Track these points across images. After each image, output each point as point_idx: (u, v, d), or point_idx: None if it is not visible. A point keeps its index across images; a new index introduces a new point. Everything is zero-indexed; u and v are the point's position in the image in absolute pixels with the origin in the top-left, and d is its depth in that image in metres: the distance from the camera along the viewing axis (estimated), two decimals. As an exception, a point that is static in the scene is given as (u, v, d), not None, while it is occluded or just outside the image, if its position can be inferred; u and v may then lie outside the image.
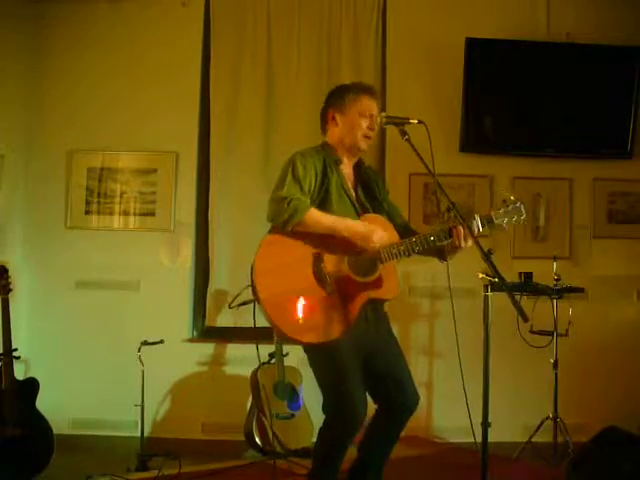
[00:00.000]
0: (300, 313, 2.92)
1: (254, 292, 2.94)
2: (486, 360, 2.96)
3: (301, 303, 2.93)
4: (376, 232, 2.97)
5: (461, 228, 3.00)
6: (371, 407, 3.18)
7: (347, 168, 3.24)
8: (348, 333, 2.95)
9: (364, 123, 3.16)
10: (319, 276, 2.96)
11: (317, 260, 2.98)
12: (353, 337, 2.98)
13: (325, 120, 3.27)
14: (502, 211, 3.16)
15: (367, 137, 3.18)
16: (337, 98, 3.23)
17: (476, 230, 3.05)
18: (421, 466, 4.46)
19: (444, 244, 3.08)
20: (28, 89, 5.25)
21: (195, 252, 5.36)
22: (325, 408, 3.12)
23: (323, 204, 3.08)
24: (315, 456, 3.23)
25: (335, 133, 3.22)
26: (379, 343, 3.16)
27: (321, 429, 3.17)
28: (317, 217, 2.95)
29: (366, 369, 3.10)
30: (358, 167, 3.29)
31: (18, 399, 4.14)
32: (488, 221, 3.12)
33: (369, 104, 3.19)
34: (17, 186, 5.19)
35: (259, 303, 2.93)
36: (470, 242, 3.00)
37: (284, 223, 2.92)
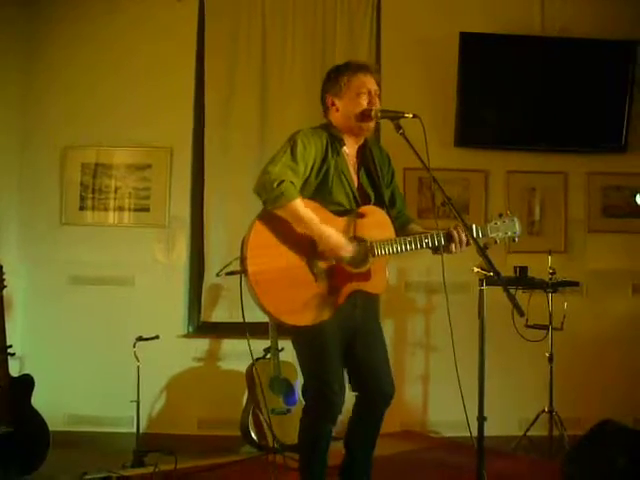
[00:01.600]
0: (285, 294, 2.92)
1: (243, 264, 2.93)
2: (481, 354, 2.97)
3: (288, 284, 2.93)
4: (345, 249, 2.95)
5: (461, 234, 3.04)
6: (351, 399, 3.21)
7: (351, 150, 3.19)
8: (330, 320, 2.97)
9: (364, 101, 3.11)
10: (310, 260, 2.97)
11: (311, 244, 2.97)
12: (338, 321, 3.00)
13: (326, 106, 3.22)
14: (497, 224, 3.18)
15: (369, 115, 3.11)
16: (333, 83, 3.18)
17: (469, 239, 3.06)
18: (417, 460, 4.46)
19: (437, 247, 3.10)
20: (23, 85, 5.23)
21: (190, 247, 5.36)
22: (304, 391, 3.14)
23: (321, 188, 3.06)
24: (299, 448, 3.24)
25: (337, 117, 3.17)
26: (363, 329, 3.17)
27: (301, 419, 3.18)
28: (298, 210, 2.92)
29: (346, 354, 3.13)
30: (363, 149, 3.24)
31: (13, 396, 4.14)
32: (483, 233, 3.14)
33: (365, 81, 3.13)
34: (11, 183, 5.18)
35: (246, 276, 2.92)
36: (464, 249, 3.06)
37: (266, 201, 2.92)
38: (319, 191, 3.05)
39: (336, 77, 3.18)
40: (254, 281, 2.90)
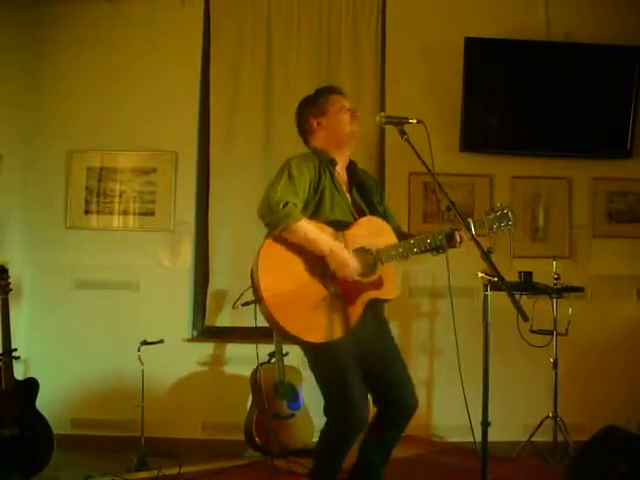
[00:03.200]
0: (304, 313, 2.91)
1: (256, 290, 2.92)
2: (486, 359, 2.96)
3: (305, 303, 2.92)
4: (351, 265, 2.95)
5: (462, 234, 3.09)
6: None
7: (340, 170, 3.26)
8: (350, 333, 2.96)
9: (346, 117, 3.22)
10: (323, 275, 2.97)
11: (321, 259, 2.98)
12: (354, 337, 2.98)
13: (309, 131, 3.29)
14: (492, 217, 3.26)
15: (354, 131, 3.23)
16: (312, 106, 3.28)
17: (469, 235, 3.08)
18: (420, 466, 4.46)
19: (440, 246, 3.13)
20: (27, 89, 5.25)
21: (195, 251, 5.36)
22: (327, 411, 3.11)
23: (319, 208, 3.09)
24: (316, 457, 3.23)
25: (324, 137, 3.24)
26: (378, 344, 3.16)
27: (323, 430, 3.16)
28: (305, 229, 2.93)
29: (365, 370, 3.10)
30: (351, 169, 3.31)
31: (18, 399, 4.15)
32: (479, 225, 3.17)
33: (340, 100, 3.26)
34: (16, 186, 5.19)
35: (260, 303, 2.91)
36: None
37: (273, 225, 2.92)
38: (317, 212, 3.08)
39: (314, 100, 3.30)
40: (270, 305, 2.88)
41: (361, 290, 3.01)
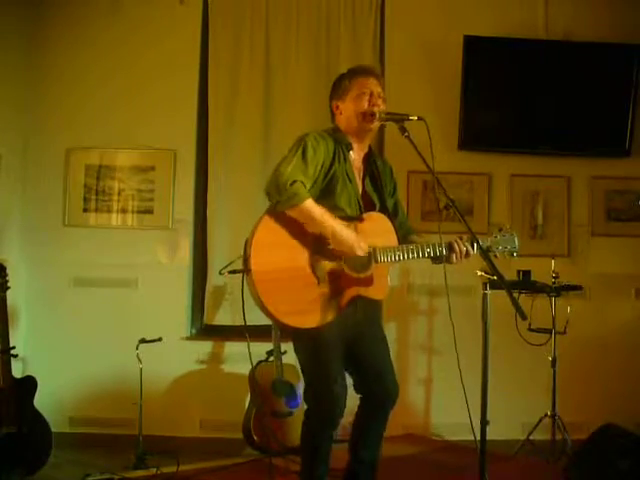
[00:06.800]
0: (287, 295, 2.91)
1: (246, 263, 2.92)
2: (485, 358, 2.96)
3: (290, 285, 2.92)
4: (359, 246, 2.96)
5: (462, 246, 3.06)
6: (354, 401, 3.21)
7: (357, 156, 3.20)
8: (331, 323, 2.96)
9: (364, 102, 3.11)
10: (314, 263, 2.97)
11: (316, 246, 2.97)
12: (339, 324, 2.99)
13: (332, 112, 3.25)
14: (497, 238, 3.22)
15: (372, 114, 3.11)
16: (337, 88, 3.21)
17: (472, 251, 3.08)
18: (419, 464, 4.46)
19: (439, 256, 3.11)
20: (26, 88, 5.24)
21: (193, 249, 5.36)
22: (306, 397, 3.13)
23: (326, 192, 3.05)
24: (301, 451, 3.24)
25: (343, 121, 3.18)
26: (365, 330, 3.16)
27: (303, 421, 3.18)
28: (311, 210, 2.92)
29: (349, 356, 3.12)
30: (368, 158, 3.25)
31: (16, 397, 4.14)
32: (482, 246, 3.13)
33: (364, 83, 3.15)
34: (15, 184, 5.18)
35: (248, 275, 2.91)
36: (464, 260, 3.09)
37: (278, 202, 2.91)
38: (324, 195, 3.05)
39: (339, 82, 3.22)
40: (257, 280, 2.88)
41: (350, 284, 3.01)
